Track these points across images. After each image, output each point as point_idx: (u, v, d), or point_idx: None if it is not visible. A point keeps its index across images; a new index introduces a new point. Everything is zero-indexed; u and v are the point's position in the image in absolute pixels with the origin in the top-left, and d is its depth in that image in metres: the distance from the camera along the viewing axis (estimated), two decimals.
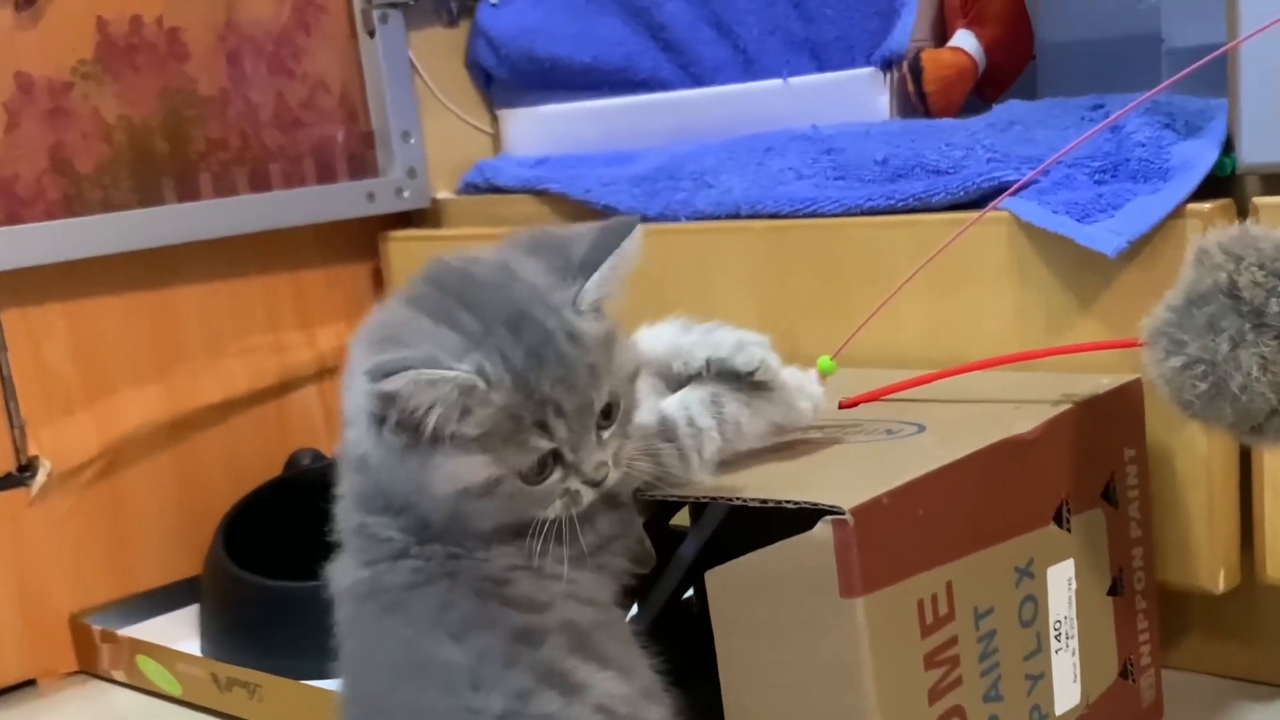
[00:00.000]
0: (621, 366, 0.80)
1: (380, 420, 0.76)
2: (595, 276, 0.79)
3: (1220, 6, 0.99)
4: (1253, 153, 0.99)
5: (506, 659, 0.76)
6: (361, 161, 1.52)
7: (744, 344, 0.88)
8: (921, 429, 0.94)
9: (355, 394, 0.78)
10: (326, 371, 1.56)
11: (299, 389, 1.54)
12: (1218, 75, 1.02)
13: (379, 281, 1.58)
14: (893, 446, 0.91)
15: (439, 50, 1.58)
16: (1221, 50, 0.97)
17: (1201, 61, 0.91)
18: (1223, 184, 1.03)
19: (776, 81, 1.36)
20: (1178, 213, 1.01)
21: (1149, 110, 1.09)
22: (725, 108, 1.40)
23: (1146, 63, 1.26)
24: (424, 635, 0.78)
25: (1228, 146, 1.03)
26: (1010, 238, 1.09)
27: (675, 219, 1.29)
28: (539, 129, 1.57)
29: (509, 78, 1.58)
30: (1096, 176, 1.08)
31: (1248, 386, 0.79)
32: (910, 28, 1.29)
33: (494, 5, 1.56)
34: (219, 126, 1.41)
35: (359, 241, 1.56)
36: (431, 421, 0.74)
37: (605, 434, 0.79)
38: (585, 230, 0.81)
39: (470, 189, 1.56)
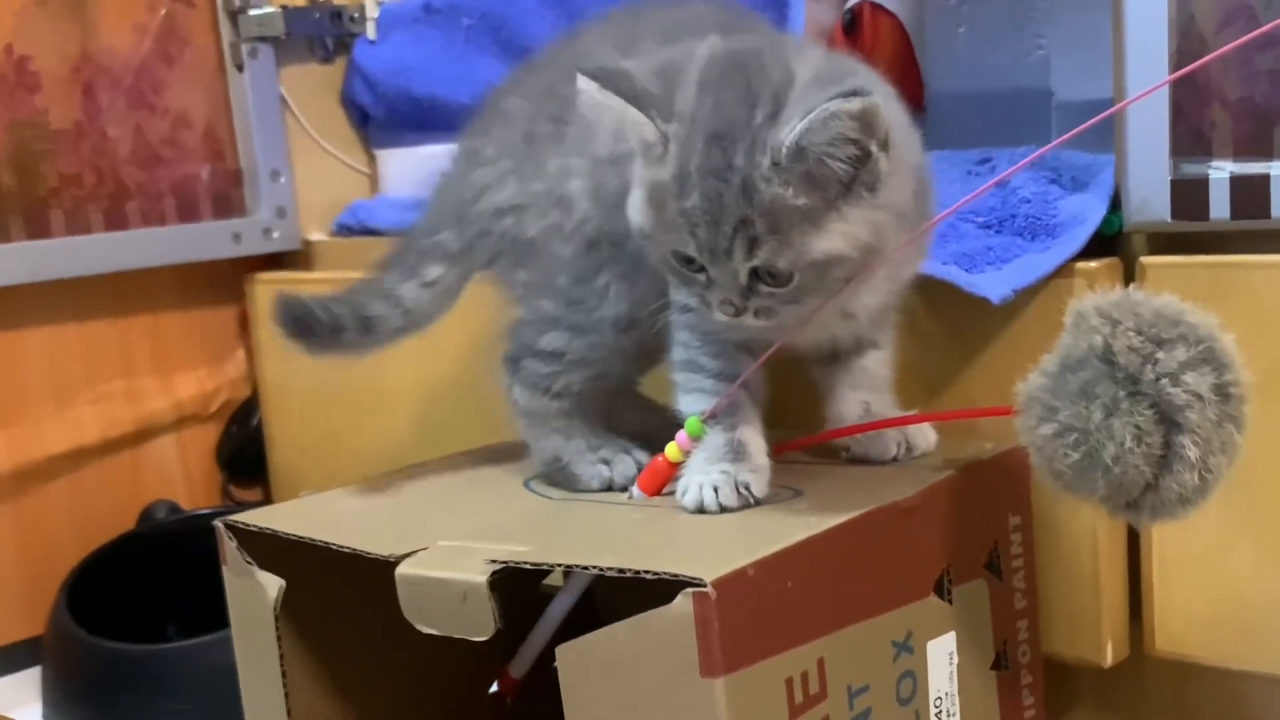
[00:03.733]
0: (810, 251, 0.80)
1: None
2: (801, 125, 0.77)
3: (1108, 61, 0.98)
4: (1140, 211, 0.97)
5: None
6: (227, 200, 1.45)
7: None
8: (798, 494, 0.90)
9: None
10: (186, 419, 1.49)
11: (155, 439, 1.47)
12: (1105, 130, 1.00)
13: (244, 325, 1.51)
14: (764, 513, 0.86)
15: (314, 87, 1.52)
16: (1108, 113, 0.95)
17: (1086, 125, 0.88)
18: (1109, 242, 1.01)
19: None
20: (1065, 271, 0.98)
21: (1035, 165, 1.07)
22: None
23: (1036, 115, 1.24)
24: None
25: (1114, 203, 1.00)
26: None
27: None
28: (416, 170, 1.51)
29: (386, 117, 1.52)
30: (985, 230, 1.05)
31: (1120, 458, 0.75)
32: None
33: (371, 42, 1.50)
34: (73, 161, 1.33)
35: (224, 283, 1.49)
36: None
37: (763, 288, 0.81)
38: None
39: (344, 230, 1.50)
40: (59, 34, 1.32)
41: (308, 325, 0.98)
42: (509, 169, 0.98)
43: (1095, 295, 0.79)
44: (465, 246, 1.01)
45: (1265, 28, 0.74)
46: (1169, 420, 0.75)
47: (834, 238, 0.80)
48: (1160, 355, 0.75)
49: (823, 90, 0.77)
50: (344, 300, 1.01)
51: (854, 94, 0.76)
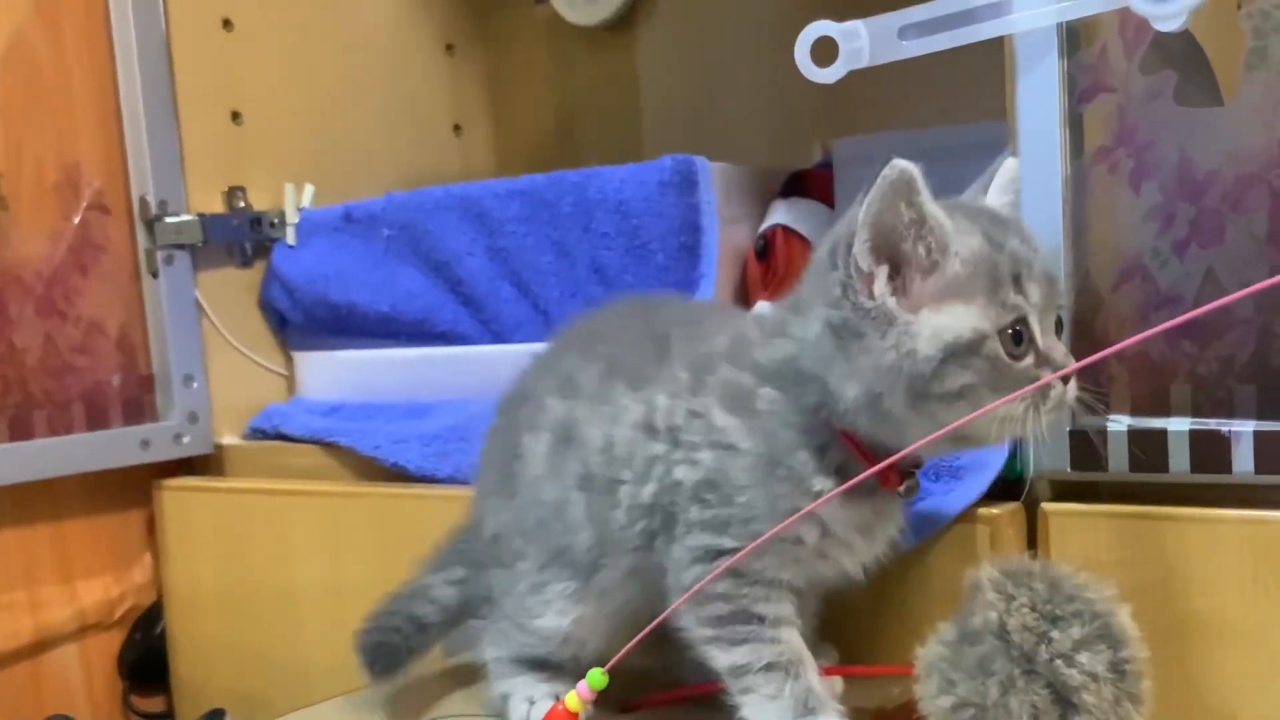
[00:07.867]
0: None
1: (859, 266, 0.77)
2: None
3: None
4: (1040, 461, 0.97)
5: None
6: (139, 406, 1.43)
7: None
8: None
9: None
10: (89, 628, 1.45)
11: (55, 649, 1.42)
12: None
13: (151, 530, 1.48)
14: None
15: (231, 289, 1.51)
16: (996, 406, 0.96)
17: (984, 410, 0.89)
18: (1013, 485, 1.01)
19: None
20: (969, 516, 0.98)
21: None
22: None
23: None
24: None
25: (1016, 446, 1.01)
26: None
27: (466, 482, 1.22)
28: (334, 374, 1.51)
29: (304, 321, 1.52)
30: None
31: None
32: (710, 297, 1.26)
33: (290, 248, 1.50)
34: None
35: (132, 487, 1.46)
36: (908, 246, 0.76)
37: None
38: None
39: (257, 434, 1.49)
40: None
41: None
42: None
43: (991, 565, 0.79)
44: None
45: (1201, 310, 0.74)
46: (1065, 700, 0.74)
47: None
48: (1055, 634, 0.75)
49: None
50: None
51: None
